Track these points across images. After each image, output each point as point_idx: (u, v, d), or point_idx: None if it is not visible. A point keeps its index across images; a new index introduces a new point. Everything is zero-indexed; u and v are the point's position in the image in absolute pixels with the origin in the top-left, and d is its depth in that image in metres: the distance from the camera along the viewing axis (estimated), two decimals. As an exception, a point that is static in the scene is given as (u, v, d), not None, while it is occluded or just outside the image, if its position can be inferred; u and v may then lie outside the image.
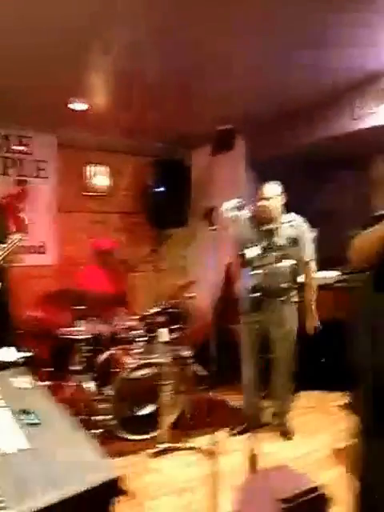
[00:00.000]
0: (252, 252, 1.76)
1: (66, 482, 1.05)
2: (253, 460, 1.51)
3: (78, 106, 3.86)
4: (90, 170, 4.94)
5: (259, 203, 3.25)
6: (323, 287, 4.08)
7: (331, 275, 4.20)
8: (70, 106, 3.83)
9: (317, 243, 4.40)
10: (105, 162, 5.00)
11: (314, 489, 1.27)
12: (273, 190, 3.30)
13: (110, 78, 3.46)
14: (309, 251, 3.37)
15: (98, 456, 1.20)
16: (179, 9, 2.40)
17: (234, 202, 1.90)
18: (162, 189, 4.98)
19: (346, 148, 4.32)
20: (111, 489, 1.10)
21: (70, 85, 3.41)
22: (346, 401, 3.84)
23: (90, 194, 4.96)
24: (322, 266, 4.40)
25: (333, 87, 3.58)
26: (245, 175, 4.76)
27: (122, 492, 1.13)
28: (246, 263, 1.81)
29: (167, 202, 4.97)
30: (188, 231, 5.44)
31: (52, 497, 0.97)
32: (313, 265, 3.40)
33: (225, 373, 4.12)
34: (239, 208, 1.88)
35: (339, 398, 3.97)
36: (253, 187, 4.59)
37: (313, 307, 3.40)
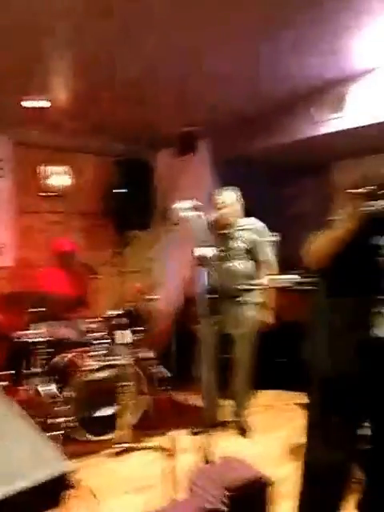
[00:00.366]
0: (205, 253, 1.80)
1: (13, 478, 1.05)
2: (206, 455, 1.54)
3: (35, 104, 3.77)
4: (49, 169, 4.84)
5: (217, 213, 3.38)
6: (283, 289, 4.18)
7: (291, 278, 4.30)
8: (25, 104, 3.74)
9: (278, 246, 4.52)
10: (65, 161, 4.90)
11: (259, 477, 1.33)
12: (229, 198, 3.39)
13: (70, 76, 3.43)
14: (264, 253, 3.44)
15: (49, 451, 1.20)
16: (144, 10, 2.42)
17: (187, 203, 1.94)
18: (124, 190, 4.94)
19: (306, 153, 4.44)
20: (61, 483, 1.10)
21: (25, 83, 3.34)
22: (303, 399, 3.95)
23: (49, 194, 4.86)
24: (282, 269, 4.52)
25: (293, 93, 3.67)
26: (209, 177, 4.82)
27: (72, 486, 1.14)
28: (201, 264, 1.84)
29: (130, 204, 4.92)
30: (152, 233, 5.45)
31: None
32: (268, 265, 3.47)
33: (186, 373, 4.17)
34: (193, 209, 1.91)
35: (296, 397, 4.08)
36: (215, 189, 4.68)
37: (266, 305, 3.47)
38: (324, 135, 3.74)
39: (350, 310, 1.83)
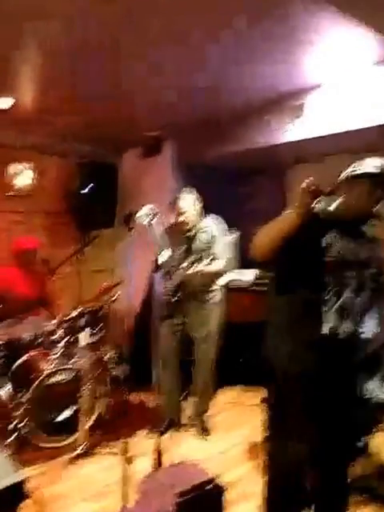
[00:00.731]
0: (164, 257, 1.83)
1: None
2: (158, 458, 1.55)
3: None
4: (13, 169, 4.77)
5: (177, 219, 3.42)
6: (243, 288, 4.25)
7: (249, 276, 4.37)
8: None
9: (238, 246, 4.58)
10: (29, 161, 4.85)
11: (210, 481, 1.35)
12: (188, 203, 3.43)
13: (35, 78, 3.38)
14: (223, 253, 3.47)
15: (1, 461, 1.20)
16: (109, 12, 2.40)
17: (146, 209, 1.96)
18: (88, 190, 4.92)
19: (262, 159, 4.53)
20: (16, 494, 1.10)
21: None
22: (262, 396, 4.03)
23: (12, 193, 4.80)
24: (242, 267, 4.59)
25: (252, 101, 3.74)
26: (172, 179, 4.84)
27: (27, 496, 1.14)
28: (159, 267, 1.86)
29: (93, 203, 4.91)
30: (115, 233, 5.42)
31: None
32: (222, 262, 3.46)
33: (146, 374, 4.18)
34: (152, 215, 1.94)
35: (258, 394, 4.14)
36: (178, 191, 4.70)
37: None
38: (281, 143, 3.83)
39: (300, 308, 1.87)
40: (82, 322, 3.44)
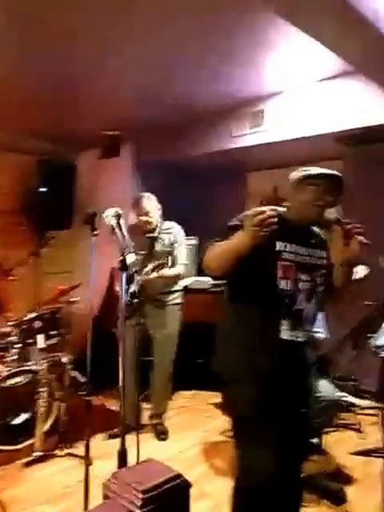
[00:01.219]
0: (131, 258, 1.83)
1: None
2: (122, 458, 1.57)
3: None
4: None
5: (141, 218, 3.42)
6: (201, 291, 4.31)
7: (206, 280, 4.43)
8: None
9: (196, 250, 4.64)
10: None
11: (175, 477, 1.38)
12: (151, 204, 3.45)
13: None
14: (182, 255, 3.52)
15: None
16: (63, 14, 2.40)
17: (112, 211, 1.95)
18: (45, 189, 4.82)
19: (223, 163, 4.60)
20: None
21: None
22: (218, 399, 4.10)
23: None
24: (199, 271, 4.65)
25: (213, 106, 3.83)
26: (130, 180, 4.84)
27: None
28: (125, 269, 1.87)
29: (50, 203, 4.81)
30: (73, 234, 5.35)
31: None
32: (182, 267, 3.52)
33: (105, 377, 4.14)
34: (117, 216, 1.94)
35: (212, 397, 4.21)
36: (137, 192, 4.70)
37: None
38: (241, 148, 3.92)
39: (256, 315, 1.84)
40: (39, 324, 3.39)
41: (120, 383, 2.02)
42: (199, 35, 2.64)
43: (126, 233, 1.93)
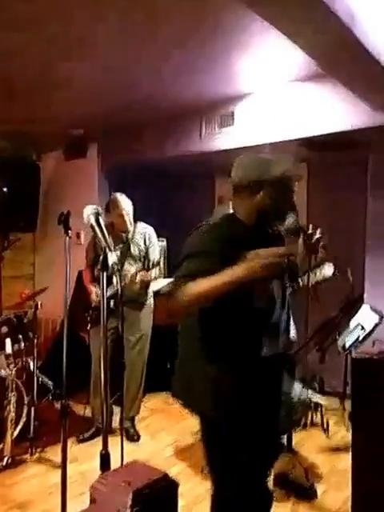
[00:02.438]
0: (113, 258, 1.80)
1: None
2: (105, 460, 1.57)
3: None
4: None
5: (125, 218, 3.40)
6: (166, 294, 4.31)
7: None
8: None
9: (167, 252, 4.65)
10: None
11: (164, 477, 1.39)
12: (129, 203, 3.46)
13: None
14: (155, 257, 3.55)
15: None
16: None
17: (91, 208, 1.92)
18: (7, 189, 4.68)
19: (192, 166, 4.64)
20: None
21: None
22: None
23: None
24: (169, 273, 4.65)
25: (182, 107, 3.83)
26: (97, 182, 4.80)
27: None
28: (105, 268, 1.84)
29: (13, 205, 4.68)
30: (37, 237, 5.24)
31: None
32: (157, 270, 3.55)
33: (73, 381, 4.07)
34: (97, 214, 1.91)
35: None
36: (104, 194, 4.67)
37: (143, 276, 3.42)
38: (210, 151, 3.95)
39: (233, 340, 1.67)
40: (5, 328, 3.31)
41: (100, 386, 1.99)
42: (167, 34, 2.64)
43: (105, 231, 1.91)
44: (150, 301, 3.62)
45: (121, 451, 1.78)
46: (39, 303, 3.55)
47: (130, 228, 3.49)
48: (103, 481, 1.28)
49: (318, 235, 2.08)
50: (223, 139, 3.83)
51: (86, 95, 3.59)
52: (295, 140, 3.50)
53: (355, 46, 2.12)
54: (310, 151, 3.75)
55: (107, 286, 3.24)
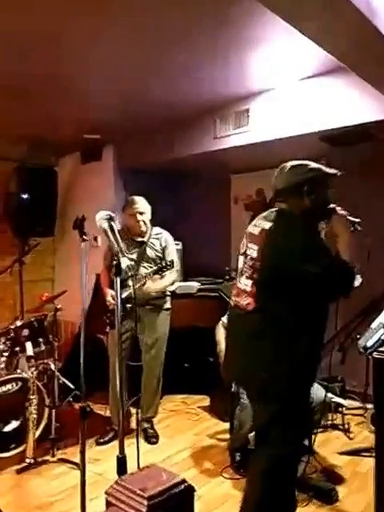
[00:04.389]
0: (125, 262, 1.81)
1: None
2: (121, 464, 1.57)
3: None
4: None
5: (138, 218, 3.39)
6: (186, 296, 4.32)
7: (193, 285, 4.45)
8: None
9: (182, 255, 4.65)
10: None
11: (180, 483, 1.38)
12: (145, 205, 3.45)
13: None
14: (174, 261, 3.49)
15: None
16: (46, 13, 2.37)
17: (104, 214, 1.94)
18: (26, 195, 4.76)
19: (207, 165, 4.60)
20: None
21: None
22: (206, 402, 4.12)
23: None
24: (184, 276, 4.67)
25: (196, 107, 3.80)
26: (113, 185, 4.83)
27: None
28: (118, 273, 1.85)
29: (32, 210, 4.75)
30: (56, 240, 5.30)
31: None
32: (176, 274, 3.56)
33: (92, 383, 4.11)
34: (110, 219, 1.92)
35: (201, 400, 4.23)
36: (121, 197, 4.69)
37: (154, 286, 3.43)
38: (224, 149, 3.91)
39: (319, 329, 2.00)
40: (26, 332, 3.36)
41: (117, 389, 2.01)
42: (179, 34, 2.61)
43: (118, 236, 1.92)
44: (167, 304, 3.60)
45: (137, 455, 1.78)
46: (59, 306, 3.60)
47: (146, 230, 3.48)
48: (118, 486, 1.28)
49: (343, 212, 2.08)
50: (238, 137, 3.77)
51: (100, 100, 3.61)
52: (314, 135, 3.43)
53: (374, 36, 2.04)
54: (328, 146, 3.68)
55: (122, 289, 3.33)
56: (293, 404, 1.98)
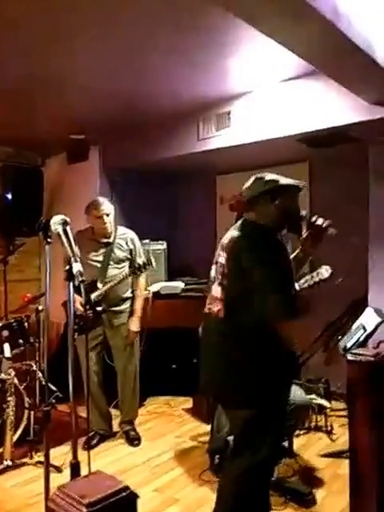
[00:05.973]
0: (77, 267, 1.79)
1: None
2: (75, 469, 1.54)
3: None
4: None
5: (104, 220, 3.35)
6: (171, 296, 4.29)
7: (177, 285, 4.42)
8: None
9: (166, 255, 4.63)
10: None
11: (121, 490, 1.35)
12: (110, 206, 3.42)
13: None
14: (141, 261, 3.45)
15: None
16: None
17: (59, 218, 1.91)
18: (12, 195, 4.74)
19: (192, 166, 4.60)
20: None
21: None
22: (189, 404, 4.09)
23: None
24: (170, 276, 4.64)
25: (179, 108, 3.80)
26: (99, 185, 4.80)
27: None
28: (70, 278, 1.82)
29: (18, 210, 4.73)
30: (42, 241, 5.25)
31: None
32: (143, 275, 3.51)
33: (80, 385, 4.09)
34: (64, 223, 1.90)
35: (185, 402, 4.20)
36: (105, 196, 4.65)
37: (137, 314, 3.48)
38: (208, 151, 3.90)
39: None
40: (6, 332, 3.32)
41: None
42: (161, 37, 2.62)
43: (73, 241, 1.90)
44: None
45: (88, 461, 1.74)
46: (40, 307, 3.56)
47: (111, 231, 3.44)
48: (60, 493, 1.25)
49: (319, 222, 2.16)
50: (221, 138, 3.77)
51: (85, 101, 3.61)
52: (294, 137, 3.42)
53: (340, 40, 2.05)
54: (310, 148, 3.68)
55: (90, 292, 3.30)
56: (266, 409, 1.97)
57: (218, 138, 3.78)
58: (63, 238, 1.87)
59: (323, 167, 4.13)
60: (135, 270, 3.34)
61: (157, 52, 2.81)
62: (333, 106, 3.11)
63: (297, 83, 3.25)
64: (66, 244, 1.87)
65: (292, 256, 2.18)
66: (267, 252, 1.92)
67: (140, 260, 3.43)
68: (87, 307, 3.31)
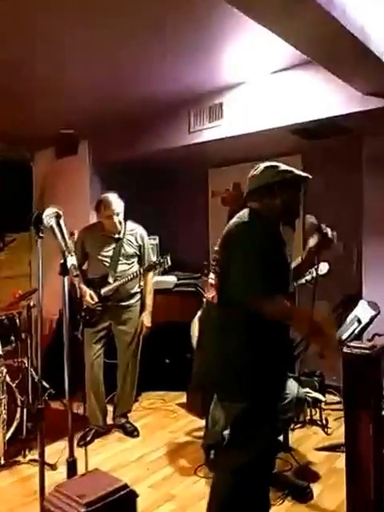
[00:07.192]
0: (71, 261, 1.75)
1: None
2: (71, 467, 1.50)
3: None
4: None
5: (114, 219, 3.34)
6: (163, 291, 4.26)
7: (170, 280, 4.39)
8: None
9: (158, 250, 4.59)
10: None
11: (120, 488, 1.32)
12: (120, 203, 3.40)
13: None
14: (149, 256, 3.57)
15: None
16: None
17: (51, 211, 1.86)
18: (0, 190, 4.67)
19: (183, 159, 4.56)
20: None
21: None
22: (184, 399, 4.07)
23: None
24: (162, 271, 4.59)
25: (169, 101, 3.76)
26: (89, 179, 4.75)
27: None
28: (64, 272, 1.78)
29: (7, 205, 4.66)
30: (32, 236, 5.19)
31: None
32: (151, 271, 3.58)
33: (74, 381, 4.05)
34: (57, 216, 1.85)
35: (180, 397, 4.17)
36: (96, 190, 4.61)
37: (148, 309, 3.55)
38: (199, 143, 3.86)
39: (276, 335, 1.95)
40: (-3, 329, 3.28)
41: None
42: (150, 29, 2.58)
43: (66, 234, 1.85)
44: (140, 300, 3.58)
45: (85, 459, 1.71)
46: (32, 303, 3.51)
47: (121, 229, 3.44)
48: (57, 493, 1.21)
49: (329, 232, 2.10)
50: (213, 130, 3.72)
51: (74, 95, 3.56)
52: (288, 128, 3.39)
53: (335, 28, 2.02)
54: (304, 139, 3.65)
55: (101, 287, 3.34)
56: (259, 401, 1.93)
57: (210, 130, 3.73)
58: (56, 230, 1.83)
59: (317, 159, 4.11)
60: (150, 267, 3.44)
61: (146, 44, 2.76)
62: (326, 97, 3.07)
63: (290, 74, 3.21)
64: (60, 237, 1.82)
65: (295, 264, 2.14)
66: (259, 241, 1.86)
67: (154, 258, 3.52)
68: (97, 300, 3.35)
